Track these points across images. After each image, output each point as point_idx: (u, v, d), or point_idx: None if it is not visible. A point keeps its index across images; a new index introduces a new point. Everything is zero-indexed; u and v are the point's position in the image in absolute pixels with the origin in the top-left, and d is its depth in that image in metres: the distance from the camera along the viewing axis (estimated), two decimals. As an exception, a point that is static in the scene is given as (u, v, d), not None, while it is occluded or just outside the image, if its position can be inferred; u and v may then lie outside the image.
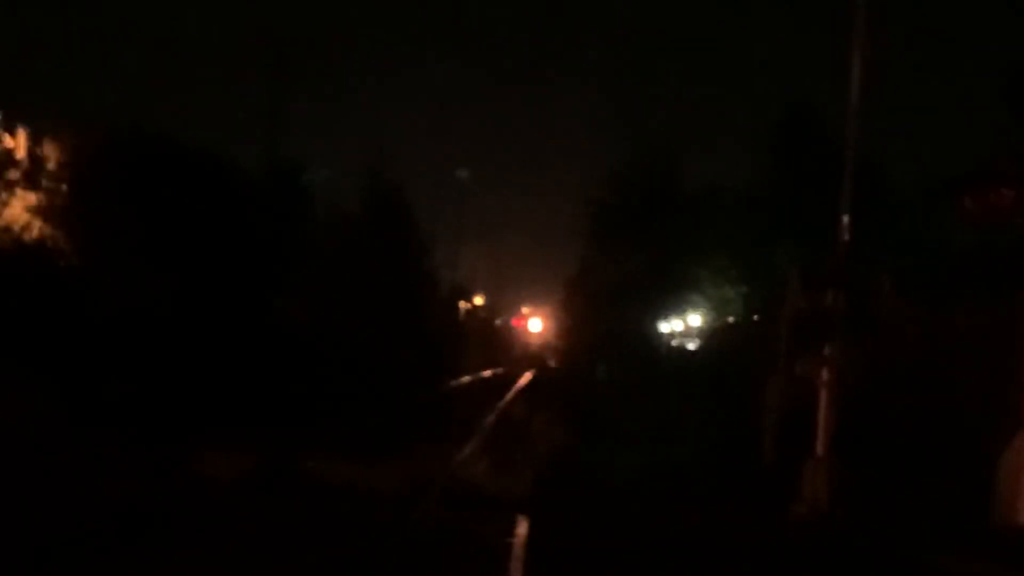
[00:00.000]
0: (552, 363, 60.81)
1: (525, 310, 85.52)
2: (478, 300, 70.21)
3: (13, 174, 23.05)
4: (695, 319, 37.94)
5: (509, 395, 35.51)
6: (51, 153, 23.72)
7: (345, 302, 33.50)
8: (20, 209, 23.03)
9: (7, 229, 22.64)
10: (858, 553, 12.33)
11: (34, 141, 23.57)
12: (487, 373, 50.66)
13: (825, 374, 14.35)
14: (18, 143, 23.38)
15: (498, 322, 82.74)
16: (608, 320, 39.08)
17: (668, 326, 40.51)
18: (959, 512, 13.74)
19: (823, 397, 14.35)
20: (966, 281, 18.05)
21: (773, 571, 11.37)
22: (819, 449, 14.27)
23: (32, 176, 23.30)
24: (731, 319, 33.03)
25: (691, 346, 39.11)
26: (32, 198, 23.28)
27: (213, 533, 11.03)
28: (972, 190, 13.91)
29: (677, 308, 37.94)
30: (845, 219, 14.49)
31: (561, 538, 11.86)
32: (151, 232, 23.21)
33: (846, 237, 14.50)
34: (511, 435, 22.14)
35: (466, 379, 43.81)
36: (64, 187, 23.67)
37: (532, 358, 66.57)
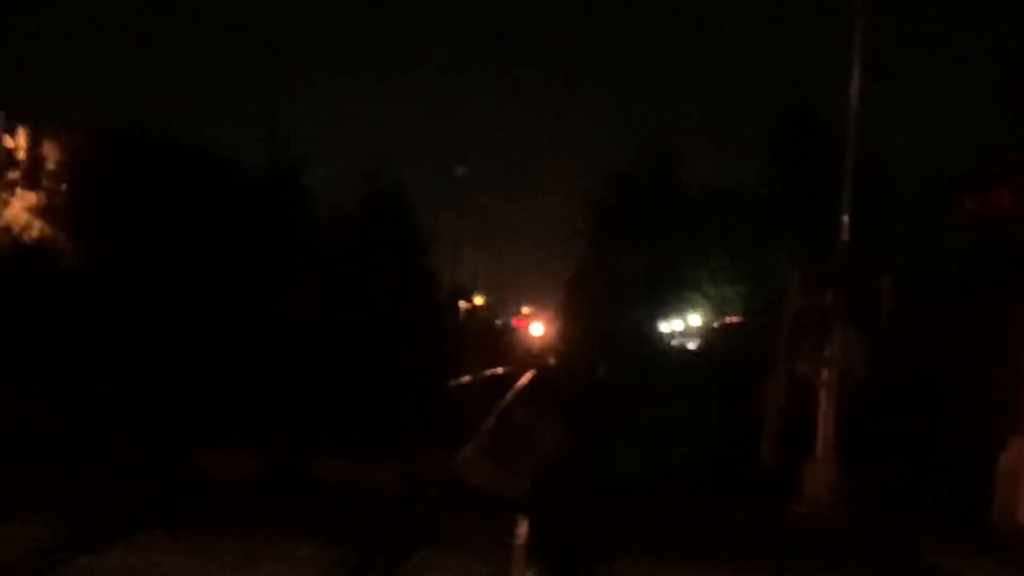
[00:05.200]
0: (552, 363, 60.88)
1: (525, 310, 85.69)
2: (478, 300, 70.24)
3: (13, 174, 23.06)
4: (695, 319, 38.01)
5: (509, 395, 35.48)
6: (51, 153, 23.72)
7: (345, 302, 33.51)
8: (20, 209, 23.04)
9: (7, 229, 22.64)
10: (858, 552, 12.33)
11: (34, 141, 23.57)
12: (487, 373, 50.65)
13: (825, 374, 14.35)
14: (18, 143, 23.38)
15: (498, 322, 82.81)
16: (608, 320, 39.12)
17: (668, 326, 40.58)
18: (959, 512, 13.75)
19: (823, 397, 14.35)
20: (966, 281, 18.07)
21: (773, 571, 11.37)
22: (819, 449, 14.27)
23: (32, 176, 23.30)
24: (732, 318, 33.07)
25: (691, 345, 39.18)
26: (32, 198, 23.28)
27: (213, 532, 11.03)
28: (972, 190, 13.89)
29: (677, 308, 38.01)
30: (845, 219, 14.49)
31: (561, 538, 11.86)
32: (151, 232, 23.22)
33: (846, 237, 14.50)
34: (511, 435, 22.13)
35: (466, 379, 43.80)
36: (64, 187, 23.68)
37: (533, 358, 66.62)
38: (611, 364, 37.71)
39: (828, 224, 15.02)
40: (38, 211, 23.23)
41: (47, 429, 16.82)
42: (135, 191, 23.47)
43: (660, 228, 35.30)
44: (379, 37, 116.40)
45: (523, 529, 12.02)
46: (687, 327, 39.56)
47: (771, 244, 28.55)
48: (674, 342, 40.68)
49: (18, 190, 23.08)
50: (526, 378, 46.89)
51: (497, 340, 74.30)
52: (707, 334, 37.05)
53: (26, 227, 22.95)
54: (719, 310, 34.53)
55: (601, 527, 12.94)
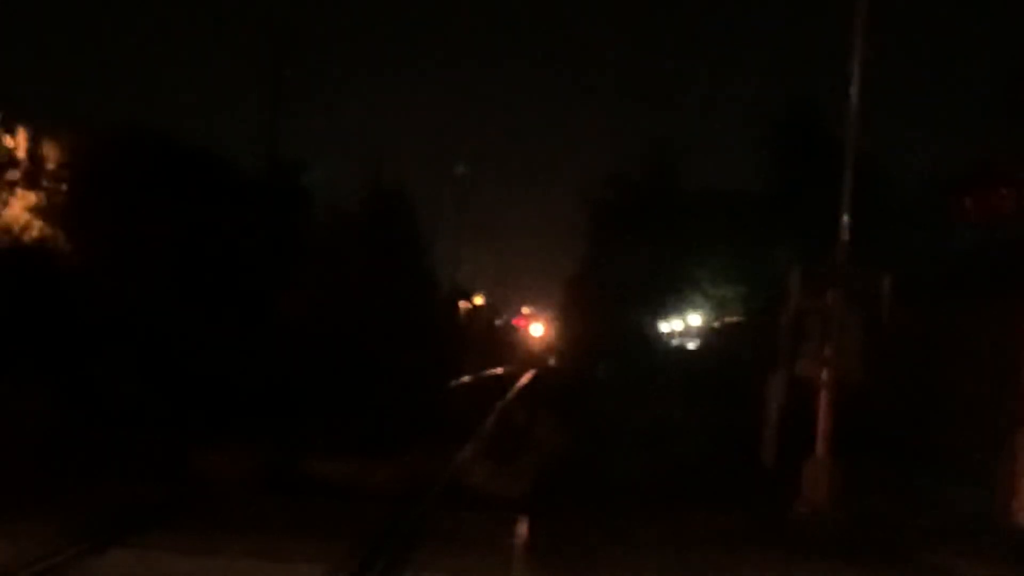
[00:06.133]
0: (552, 362, 60.90)
1: (526, 310, 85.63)
2: (478, 300, 70.19)
3: (13, 174, 23.03)
4: (695, 319, 38.02)
5: (510, 395, 35.51)
6: (51, 153, 23.70)
7: (345, 302, 33.50)
8: (20, 209, 23.01)
9: (7, 229, 22.62)
10: (859, 552, 12.33)
11: (34, 141, 23.55)
12: (487, 373, 50.67)
13: (825, 374, 14.35)
14: (18, 143, 23.36)
15: (498, 322, 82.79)
16: (608, 320, 39.11)
17: (668, 326, 40.58)
18: (959, 512, 13.76)
19: (823, 397, 14.35)
20: (966, 282, 18.06)
21: (774, 571, 11.37)
22: (819, 449, 14.27)
23: (32, 176, 23.29)
24: (732, 318, 33.07)
25: (691, 345, 39.19)
26: (32, 198, 23.26)
27: (214, 532, 11.04)
28: (972, 190, 13.91)
29: (677, 308, 38.01)
30: (845, 219, 14.49)
31: (562, 538, 11.87)
32: (151, 232, 23.22)
33: (846, 237, 14.51)
34: (512, 435, 22.14)
35: (467, 379, 43.82)
36: (64, 187, 23.67)
37: (533, 358, 66.62)
38: (611, 364, 37.71)
39: (828, 224, 15.01)
40: (38, 211, 23.21)
41: (48, 429, 16.81)
42: (135, 191, 23.47)
43: (660, 228, 35.30)
44: (380, 36, 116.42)
45: (523, 529, 12.04)
46: (687, 327, 39.56)
47: (771, 244, 28.52)
48: (674, 342, 40.68)
49: (18, 190, 23.05)
50: (526, 378, 46.94)
51: (497, 340, 74.30)
52: (707, 334, 37.06)
53: (26, 227, 22.93)
54: (719, 310, 34.55)
55: (601, 527, 12.95)
